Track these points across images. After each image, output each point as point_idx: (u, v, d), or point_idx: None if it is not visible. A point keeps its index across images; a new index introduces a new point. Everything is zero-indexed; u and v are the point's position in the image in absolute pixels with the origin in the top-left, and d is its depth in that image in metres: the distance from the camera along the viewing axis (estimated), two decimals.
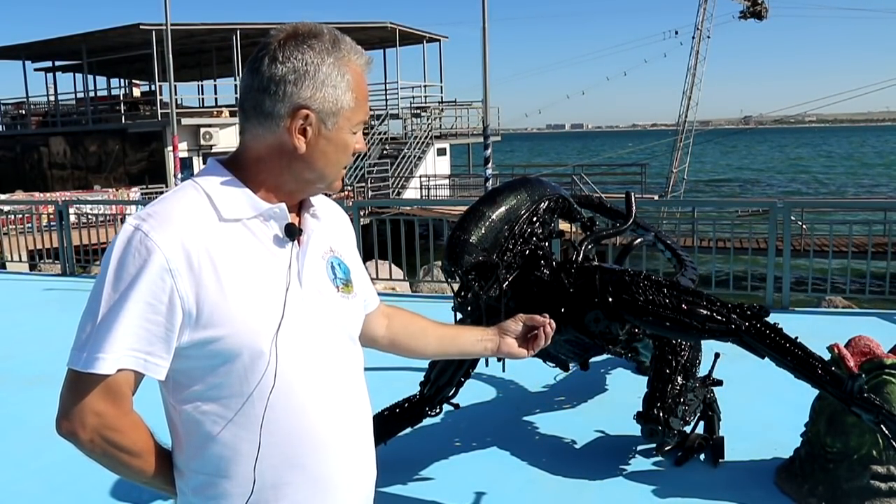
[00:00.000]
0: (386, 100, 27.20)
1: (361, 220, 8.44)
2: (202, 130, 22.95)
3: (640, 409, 3.21)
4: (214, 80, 30.76)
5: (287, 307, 1.28)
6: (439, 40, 28.11)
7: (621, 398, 4.29)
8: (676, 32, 30.14)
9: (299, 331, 1.30)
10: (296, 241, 1.33)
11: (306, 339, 1.32)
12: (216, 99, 28.95)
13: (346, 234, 1.53)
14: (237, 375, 1.26)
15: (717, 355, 3.55)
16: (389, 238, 9.99)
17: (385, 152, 24.86)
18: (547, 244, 3.12)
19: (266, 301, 1.27)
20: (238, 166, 1.33)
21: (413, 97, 28.12)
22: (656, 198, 20.75)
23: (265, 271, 1.28)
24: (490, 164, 18.89)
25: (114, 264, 1.21)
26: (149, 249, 1.19)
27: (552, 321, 1.71)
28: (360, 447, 1.43)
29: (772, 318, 2.71)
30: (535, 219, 3.05)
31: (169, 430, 1.35)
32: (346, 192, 20.96)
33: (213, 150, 22.59)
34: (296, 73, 1.26)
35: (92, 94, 28.40)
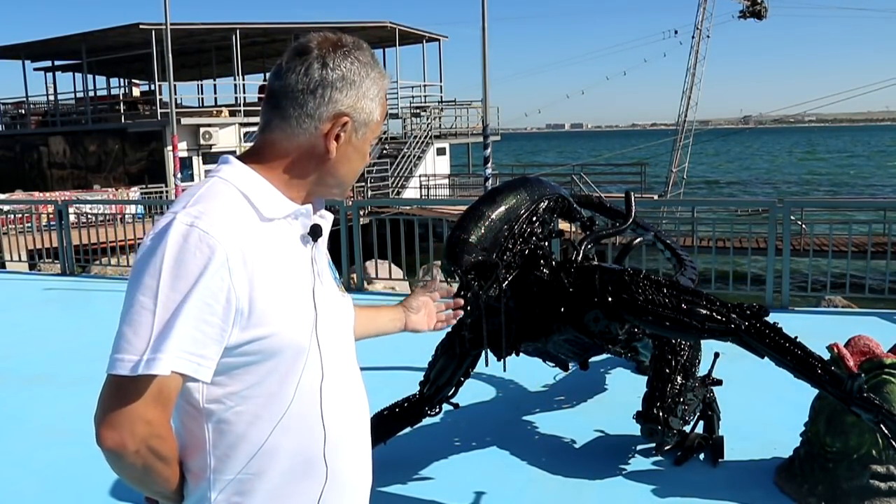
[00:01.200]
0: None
1: (361, 219, 8.43)
2: (202, 130, 22.93)
3: (640, 409, 3.22)
4: (214, 80, 30.76)
5: (317, 304, 1.33)
6: (439, 40, 28.10)
7: (621, 398, 4.29)
8: (676, 32, 30.16)
9: (327, 327, 1.35)
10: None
11: (331, 335, 1.37)
12: (216, 98, 28.95)
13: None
14: (278, 374, 1.28)
15: (716, 355, 3.55)
16: (389, 238, 9.98)
17: (385, 152, 24.85)
18: (546, 244, 3.12)
19: (301, 299, 1.31)
20: (261, 163, 1.34)
21: (413, 97, 28.12)
22: (656, 197, 20.76)
23: (296, 269, 1.32)
24: (489, 164, 18.88)
25: (171, 263, 1.18)
26: (211, 247, 1.19)
27: (459, 300, 2.00)
28: (365, 444, 1.47)
29: (771, 318, 2.71)
30: (534, 218, 3.05)
31: (182, 432, 1.32)
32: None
33: (213, 150, 22.59)
34: (343, 80, 1.31)
35: (91, 93, 28.39)
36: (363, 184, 21.68)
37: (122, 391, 1.18)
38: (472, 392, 4.23)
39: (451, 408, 3.43)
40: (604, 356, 4.24)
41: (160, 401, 1.20)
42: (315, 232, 1.36)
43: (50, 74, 29.67)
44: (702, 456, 3.56)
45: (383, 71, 1.40)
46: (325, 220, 1.43)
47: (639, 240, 4.30)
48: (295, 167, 1.34)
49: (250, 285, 1.22)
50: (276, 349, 1.26)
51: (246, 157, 1.35)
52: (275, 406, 1.29)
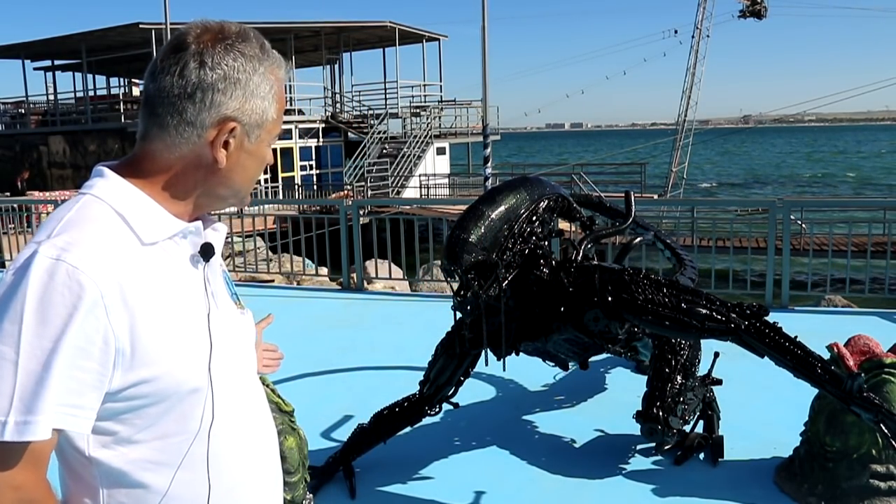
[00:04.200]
0: (385, 99, 27.20)
1: (361, 219, 8.43)
2: None
3: (640, 409, 3.22)
4: None
5: (213, 333, 1.18)
6: (439, 39, 28.12)
7: (621, 397, 4.29)
8: (676, 31, 30.25)
9: (224, 357, 1.20)
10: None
11: (228, 366, 1.22)
12: None
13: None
14: (176, 414, 1.14)
15: (716, 354, 3.55)
16: (389, 237, 9.98)
17: (384, 151, 24.85)
18: (546, 243, 3.12)
19: (194, 330, 1.16)
20: (141, 177, 1.18)
21: (413, 96, 28.14)
22: (656, 197, 20.76)
23: (186, 296, 1.17)
24: (489, 164, 18.89)
25: (35, 305, 1.02)
26: (81, 285, 1.03)
27: (281, 353, 1.68)
28: (270, 475, 1.34)
29: (771, 317, 2.71)
30: (534, 218, 3.05)
31: (69, 486, 1.18)
32: (346, 192, 20.95)
33: None
34: (226, 80, 1.15)
35: (91, 93, 28.42)
36: (363, 183, 21.68)
37: None
38: (472, 392, 4.23)
39: (451, 407, 3.43)
40: (604, 356, 4.24)
41: (31, 464, 1.04)
42: (207, 251, 1.20)
43: (50, 74, 29.73)
44: (702, 455, 3.56)
45: (277, 60, 1.22)
46: (219, 234, 1.28)
47: (639, 239, 4.30)
48: (180, 180, 1.18)
49: (132, 322, 1.07)
50: (169, 388, 1.12)
51: (124, 169, 1.19)
52: (179, 449, 1.15)
